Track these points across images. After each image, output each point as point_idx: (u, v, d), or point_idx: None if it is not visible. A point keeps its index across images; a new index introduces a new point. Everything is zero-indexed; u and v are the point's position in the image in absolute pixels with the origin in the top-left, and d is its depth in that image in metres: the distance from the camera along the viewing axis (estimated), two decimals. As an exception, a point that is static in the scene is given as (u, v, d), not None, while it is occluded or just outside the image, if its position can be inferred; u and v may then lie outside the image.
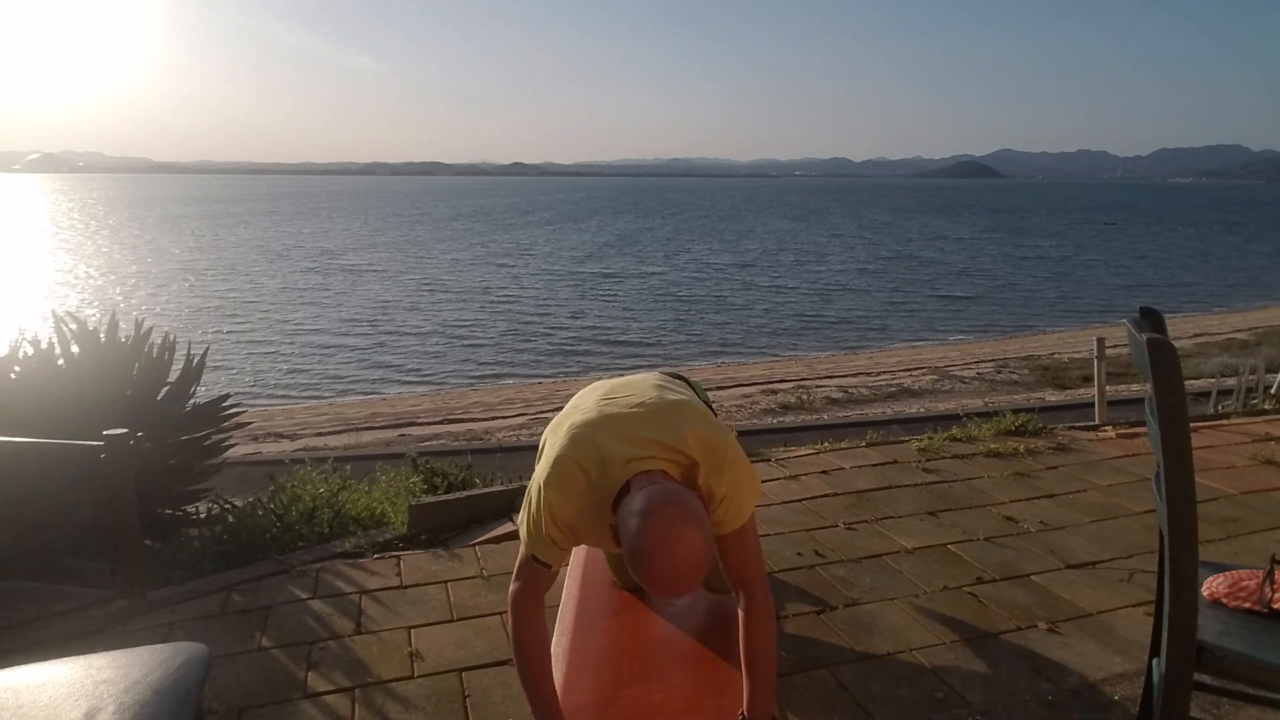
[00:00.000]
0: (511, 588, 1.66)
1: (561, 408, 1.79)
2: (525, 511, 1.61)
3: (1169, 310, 21.23)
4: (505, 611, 2.44)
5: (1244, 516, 3.26)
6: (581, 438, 1.56)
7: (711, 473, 1.54)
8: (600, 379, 1.91)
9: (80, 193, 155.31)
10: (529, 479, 1.73)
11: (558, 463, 1.55)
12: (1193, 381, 9.83)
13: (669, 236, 51.77)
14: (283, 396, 15.56)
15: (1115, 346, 6.01)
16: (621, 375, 2.09)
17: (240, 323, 22.65)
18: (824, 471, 3.85)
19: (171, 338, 4.35)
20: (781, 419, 10.94)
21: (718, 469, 1.55)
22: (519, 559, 1.65)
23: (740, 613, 1.66)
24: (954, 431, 4.40)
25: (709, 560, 1.37)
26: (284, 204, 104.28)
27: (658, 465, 1.50)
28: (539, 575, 1.63)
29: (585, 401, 1.70)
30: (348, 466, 4.29)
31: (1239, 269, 35.31)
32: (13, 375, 3.74)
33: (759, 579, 1.66)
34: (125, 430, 2.69)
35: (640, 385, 1.73)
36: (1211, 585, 1.54)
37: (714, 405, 2.22)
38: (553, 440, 1.62)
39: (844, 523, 3.24)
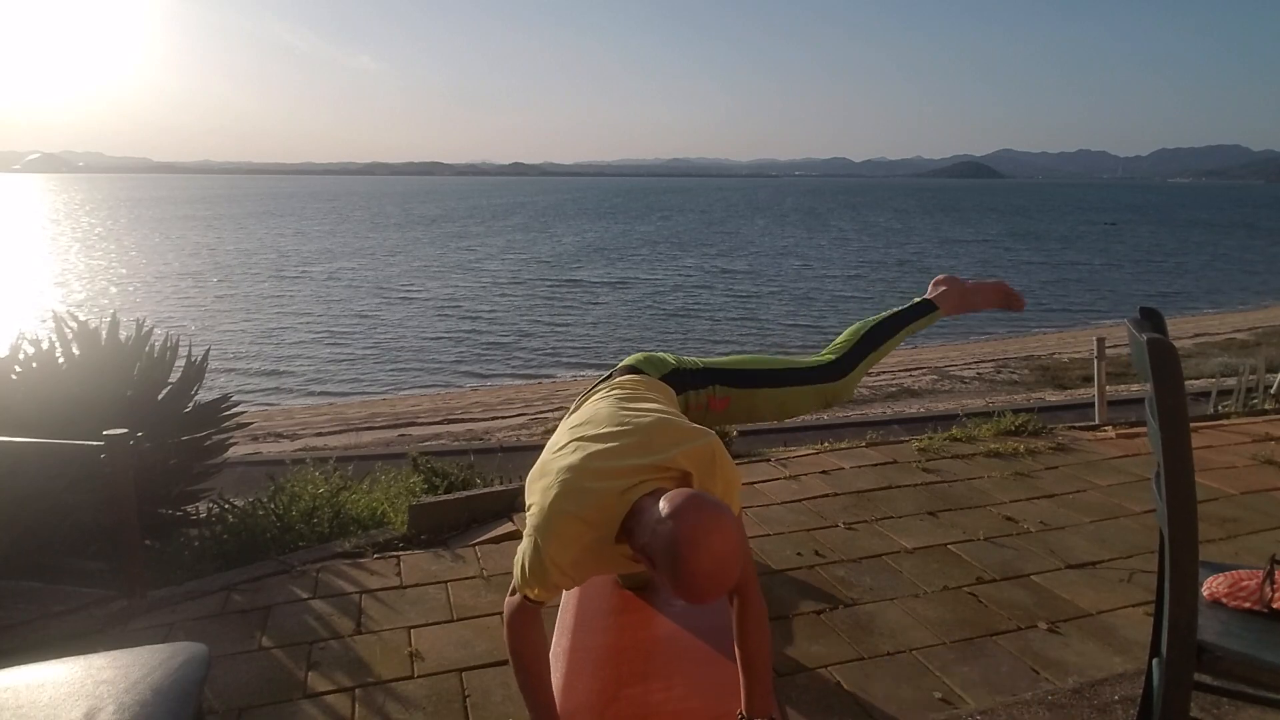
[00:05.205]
0: (507, 602, 1.68)
1: (562, 408, 1.80)
2: (522, 558, 1.60)
3: (1169, 310, 21.22)
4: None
5: (1244, 516, 3.26)
6: (569, 485, 1.56)
7: (706, 477, 1.58)
8: (598, 376, 1.90)
9: (80, 193, 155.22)
10: (528, 475, 1.74)
11: (552, 517, 1.55)
12: (1193, 381, 9.82)
13: (674, 238, 51.80)
14: (283, 397, 15.55)
15: (1115, 346, 6.01)
16: (593, 384, 2.06)
17: (240, 323, 22.63)
18: (824, 471, 3.85)
19: (174, 338, 4.35)
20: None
21: (710, 472, 1.59)
22: (512, 584, 1.66)
23: (733, 614, 1.66)
24: (954, 431, 4.39)
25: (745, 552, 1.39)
26: (282, 204, 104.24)
27: (654, 485, 1.52)
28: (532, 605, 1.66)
29: (560, 441, 1.71)
30: (348, 466, 4.29)
31: (1251, 272, 34.89)
32: (13, 375, 3.74)
33: (750, 577, 1.67)
34: (125, 430, 2.69)
35: (604, 414, 1.74)
36: (1211, 585, 1.54)
37: (690, 364, 2.19)
38: (541, 488, 1.62)
39: (844, 523, 3.24)
